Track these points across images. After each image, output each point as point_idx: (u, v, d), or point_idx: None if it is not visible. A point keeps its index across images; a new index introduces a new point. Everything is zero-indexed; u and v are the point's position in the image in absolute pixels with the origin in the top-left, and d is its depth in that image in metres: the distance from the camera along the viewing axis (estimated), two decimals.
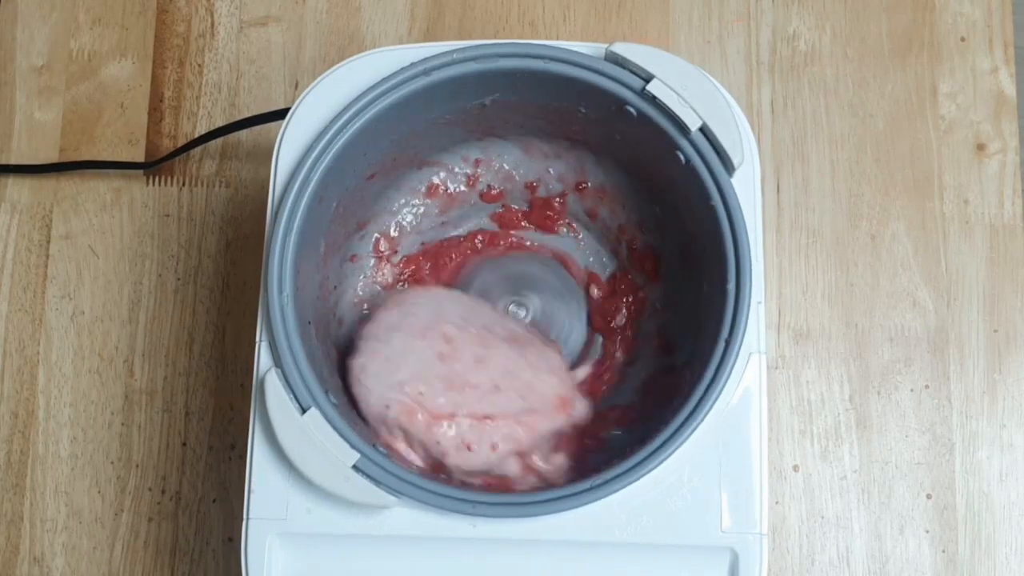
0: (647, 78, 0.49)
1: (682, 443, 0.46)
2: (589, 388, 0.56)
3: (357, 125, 0.50)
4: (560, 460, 0.52)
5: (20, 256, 0.65)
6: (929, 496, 0.61)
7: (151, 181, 0.66)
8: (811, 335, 0.63)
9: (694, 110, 0.49)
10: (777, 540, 0.60)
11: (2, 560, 0.61)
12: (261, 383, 0.47)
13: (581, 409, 0.53)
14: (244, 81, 0.67)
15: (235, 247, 0.65)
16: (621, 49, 0.49)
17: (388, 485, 0.46)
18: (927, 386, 0.62)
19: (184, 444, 0.62)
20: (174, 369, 0.63)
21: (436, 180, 0.58)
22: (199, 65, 0.67)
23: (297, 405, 0.47)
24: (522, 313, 0.58)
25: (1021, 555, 0.60)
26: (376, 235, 0.58)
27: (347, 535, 0.47)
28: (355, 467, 0.46)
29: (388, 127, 0.52)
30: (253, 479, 0.47)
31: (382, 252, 0.58)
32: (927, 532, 0.60)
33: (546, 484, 0.50)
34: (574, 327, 0.58)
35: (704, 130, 0.49)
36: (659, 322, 0.57)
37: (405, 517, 0.47)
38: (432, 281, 0.59)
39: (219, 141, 0.65)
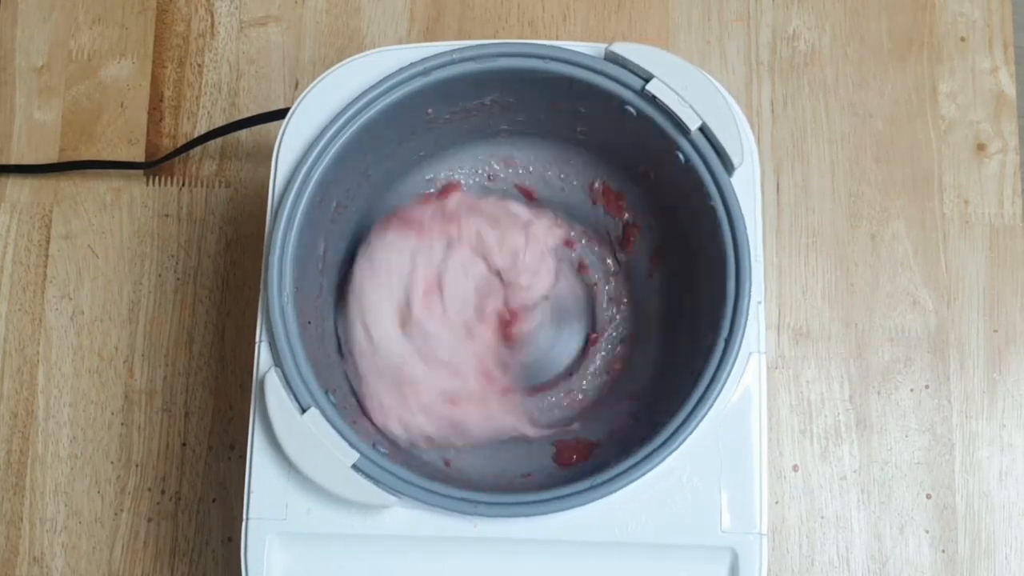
0: (647, 78, 0.49)
1: (682, 443, 0.46)
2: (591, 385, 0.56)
3: (357, 125, 0.50)
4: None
5: (20, 256, 0.65)
6: (929, 496, 0.61)
7: (151, 181, 0.66)
8: (811, 335, 0.63)
9: (694, 110, 0.49)
10: (777, 540, 0.60)
11: (2, 560, 0.61)
12: (261, 383, 0.47)
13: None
14: (244, 81, 0.67)
15: (235, 247, 0.65)
16: (621, 49, 0.49)
17: (388, 485, 0.46)
18: (927, 386, 0.62)
19: (184, 444, 0.62)
20: (174, 369, 0.63)
21: (436, 180, 0.58)
22: (199, 65, 0.67)
23: (297, 405, 0.47)
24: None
25: (1021, 555, 0.60)
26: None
27: (347, 535, 0.47)
28: (355, 467, 0.46)
29: (388, 127, 0.52)
30: (253, 479, 0.47)
31: None
32: (927, 532, 0.60)
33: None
34: (574, 325, 0.58)
35: (704, 130, 0.49)
36: (658, 321, 0.57)
37: (405, 517, 0.47)
38: None
39: (219, 141, 0.65)
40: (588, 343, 0.58)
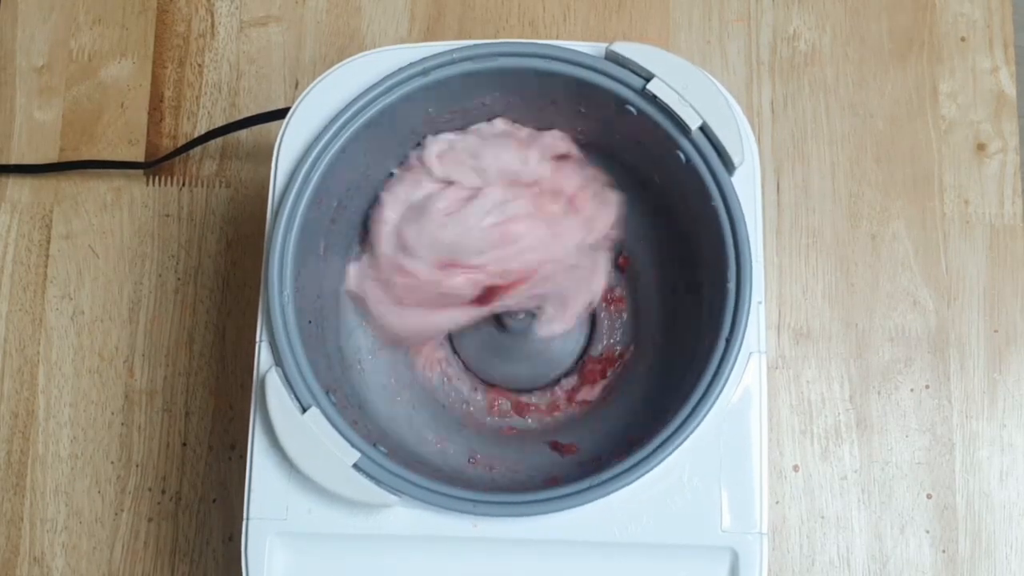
0: (647, 77, 0.49)
1: (682, 443, 0.46)
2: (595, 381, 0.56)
3: (357, 125, 0.50)
4: None
5: (20, 256, 0.65)
6: (929, 496, 0.61)
7: (151, 181, 0.66)
8: (811, 335, 0.63)
9: (694, 109, 0.49)
10: (777, 540, 0.60)
11: (2, 560, 0.61)
12: (262, 383, 0.47)
13: None
14: (244, 81, 0.67)
15: (235, 247, 0.65)
16: (621, 48, 0.49)
17: (389, 484, 0.46)
18: (927, 386, 0.62)
19: (184, 444, 0.62)
20: (174, 369, 0.63)
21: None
22: (199, 65, 0.67)
23: (298, 404, 0.47)
24: (521, 313, 0.57)
25: (1021, 555, 0.60)
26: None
27: (348, 535, 0.47)
28: (356, 466, 0.46)
29: (388, 127, 0.52)
30: (253, 479, 0.47)
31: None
32: (927, 532, 0.60)
33: None
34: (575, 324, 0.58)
35: (704, 129, 0.49)
36: (659, 321, 0.57)
37: (406, 517, 0.47)
38: None
39: (219, 141, 0.65)
40: (588, 342, 0.58)
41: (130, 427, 0.63)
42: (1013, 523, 0.61)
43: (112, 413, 0.63)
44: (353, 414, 0.50)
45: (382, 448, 0.48)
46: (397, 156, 0.55)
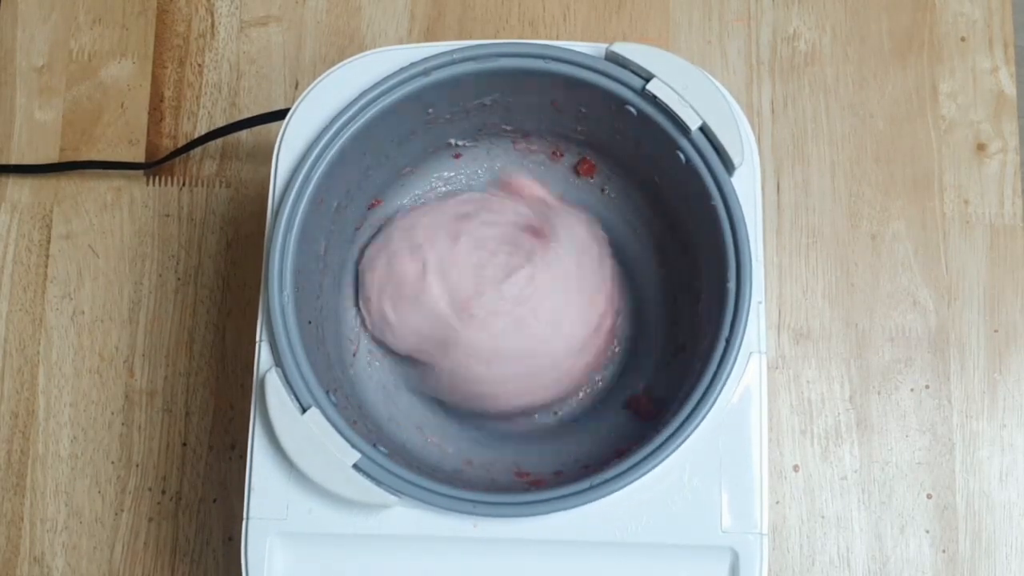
0: (647, 77, 0.49)
1: (682, 443, 0.46)
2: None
3: (357, 125, 0.50)
4: None
5: (20, 256, 0.65)
6: (929, 496, 0.61)
7: (151, 181, 0.66)
8: (811, 335, 0.63)
9: (694, 110, 0.49)
10: (777, 540, 0.60)
11: (2, 560, 0.61)
12: (261, 383, 0.47)
13: None
14: (244, 81, 0.67)
15: (235, 247, 0.65)
16: (621, 49, 0.49)
17: (389, 484, 0.46)
18: (927, 386, 0.62)
19: (184, 444, 0.62)
20: (174, 369, 0.63)
21: (436, 180, 0.58)
22: (199, 65, 0.67)
23: (298, 404, 0.47)
24: None
25: (1021, 555, 0.60)
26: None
27: (348, 535, 0.47)
28: (356, 466, 0.46)
29: (388, 127, 0.52)
30: (253, 479, 0.47)
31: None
32: (927, 532, 0.60)
33: None
34: None
35: (704, 130, 0.49)
36: (659, 320, 0.57)
37: (406, 517, 0.47)
38: None
39: (219, 141, 0.65)
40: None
41: (130, 427, 0.63)
42: (1013, 523, 0.61)
43: (112, 413, 0.63)
44: (353, 414, 0.50)
45: (382, 448, 0.48)
46: (398, 157, 0.55)
